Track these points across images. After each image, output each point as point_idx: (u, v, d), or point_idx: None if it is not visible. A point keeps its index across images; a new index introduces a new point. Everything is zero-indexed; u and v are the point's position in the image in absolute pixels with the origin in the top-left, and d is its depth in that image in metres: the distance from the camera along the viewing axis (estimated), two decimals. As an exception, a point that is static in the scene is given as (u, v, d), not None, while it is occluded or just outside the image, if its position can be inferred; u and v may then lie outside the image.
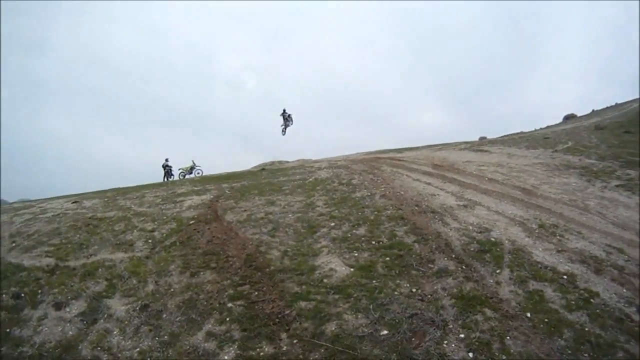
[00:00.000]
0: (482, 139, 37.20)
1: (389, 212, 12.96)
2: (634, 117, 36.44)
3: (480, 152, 24.23)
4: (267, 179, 19.51)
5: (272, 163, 33.76)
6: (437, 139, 37.04)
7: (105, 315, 8.98)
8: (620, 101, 52.42)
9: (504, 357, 7.08)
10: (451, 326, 7.85)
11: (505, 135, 37.40)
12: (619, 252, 10.57)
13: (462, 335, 7.60)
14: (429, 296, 8.75)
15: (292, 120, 37.26)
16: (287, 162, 32.28)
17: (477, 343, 7.39)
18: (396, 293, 8.86)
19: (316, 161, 27.51)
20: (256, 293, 9.25)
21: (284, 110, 37.54)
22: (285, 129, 37.46)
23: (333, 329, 7.98)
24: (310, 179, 18.00)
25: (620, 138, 26.74)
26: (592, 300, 8.53)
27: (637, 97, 51.02)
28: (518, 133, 39.08)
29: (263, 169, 25.73)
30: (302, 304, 8.74)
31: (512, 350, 7.21)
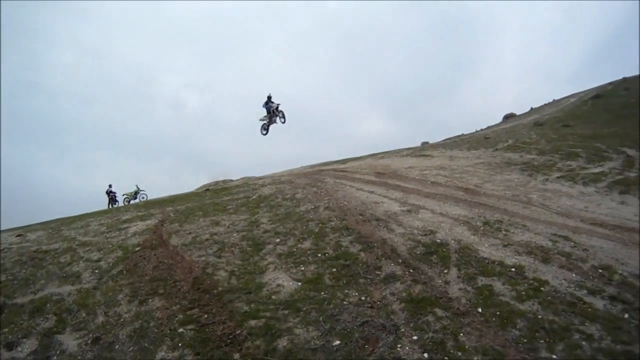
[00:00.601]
0: (424, 144, 38.37)
1: (333, 223, 13.35)
2: (572, 111, 38.79)
3: (423, 157, 25.31)
4: (211, 199, 19.66)
5: (217, 183, 32.48)
6: (381, 147, 37.96)
7: (58, 352, 8.85)
8: (557, 97, 55.30)
9: (460, 354, 7.42)
10: (403, 330, 8.15)
11: (446, 139, 38.93)
12: (565, 239, 11.37)
13: (415, 337, 7.91)
14: (379, 302, 9.06)
15: (283, 116, 28.81)
16: (232, 180, 31.97)
17: (431, 343, 7.71)
18: (345, 303, 9.14)
19: (260, 178, 27.78)
20: (206, 316, 9.34)
21: (269, 99, 28.93)
22: (269, 126, 29.44)
23: (285, 344, 8.14)
24: (254, 197, 18.28)
25: (559, 132, 28.54)
26: (542, 288, 9.09)
27: (574, 92, 54.23)
28: (459, 135, 40.77)
29: (207, 190, 25.98)
30: (252, 322, 8.88)
31: (467, 346, 7.56)
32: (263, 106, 29.27)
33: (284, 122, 29.20)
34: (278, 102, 29.09)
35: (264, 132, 29.86)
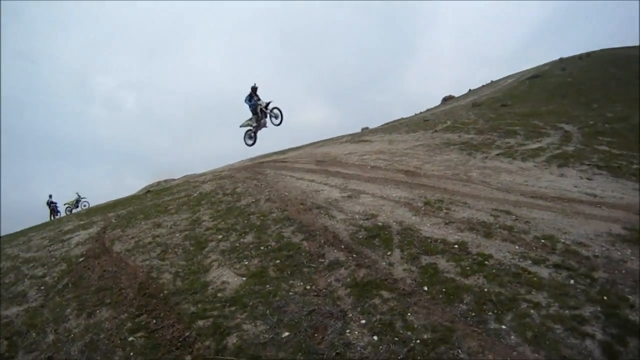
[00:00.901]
0: (364, 129, 38.86)
1: (274, 215, 13.47)
2: (509, 91, 40.25)
3: (362, 142, 25.78)
4: (152, 200, 19.69)
5: (158, 183, 32.11)
6: (321, 136, 38.25)
7: (13, 378, 8.72)
8: (495, 79, 57.25)
9: (409, 333, 7.60)
10: (350, 315, 8.30)
11: (386, 123, 39.61)
12: (506, 213, 11.82)
13: (363, 321, 8.06)
14: (324, 290, 9.19)
15: (279, 116, 21.93)
16: (173, 180, 31.67)
17: (379, 325, 7.87)
18: (291, 293, 9.24)
19: (201, 175, 27.69)
20: (154, 321, 9.29)
21: (254, 92, 22.69)
22: (257, 132, 23.22)
23: (235, 341, 8.17)
24: (195, 194, 18.30)
25: (497, 111, 29.61)
26: (486, 262, 9.43)
27: (511, 73, 56.35)
28: (399, 119, 41.45)
29: (148, 191, 25.64)
30: (201, 322, 8.87)
31: (415, 325, 7.76)
32: (245, 102, 22.88)
33: (279, 124, 22.30)
34: (270, 101, 22.58)
35: (250, 142, 23.65)
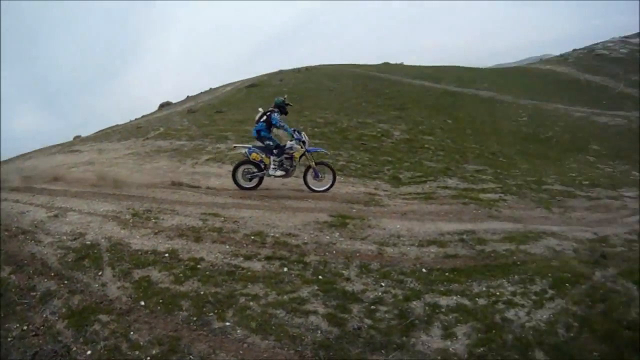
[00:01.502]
0: (77, 138, 37.39)
1: (-24, 246, 12.15)
2: (226, 98, 42.48)
3: (72, 152, 25.12)
4: None
5: None
6: (32, 146, 35.35)
7: None
8: (214, 86, 59.55)
9: (137, 352, 7.75)
10: (75, 348, 8.08)
11: (99, 131, 38.60)
12: (214, 216, 12.64)
13: (89, 352, 7.93)
14: (42, 327, 8.74)
15: (324, 176, 14.94)
16: None
17: (105, 352, 7.84)
18: (9, 339, 8.53)
19: None
20: None
21: (284, 106, 15.07)
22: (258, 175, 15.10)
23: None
24: None
25: (211, 118, 31.04)
26: (198, 266, 10.05)
27: (231, 81, 59.21)
28: (113, 126, 40.72)
29: None
30: None
31: (141, 343, 7.93)
32: (271, 120, 14.70)
33: (324, 190, 14.92)
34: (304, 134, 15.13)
35: (249, 185, 15.32)
